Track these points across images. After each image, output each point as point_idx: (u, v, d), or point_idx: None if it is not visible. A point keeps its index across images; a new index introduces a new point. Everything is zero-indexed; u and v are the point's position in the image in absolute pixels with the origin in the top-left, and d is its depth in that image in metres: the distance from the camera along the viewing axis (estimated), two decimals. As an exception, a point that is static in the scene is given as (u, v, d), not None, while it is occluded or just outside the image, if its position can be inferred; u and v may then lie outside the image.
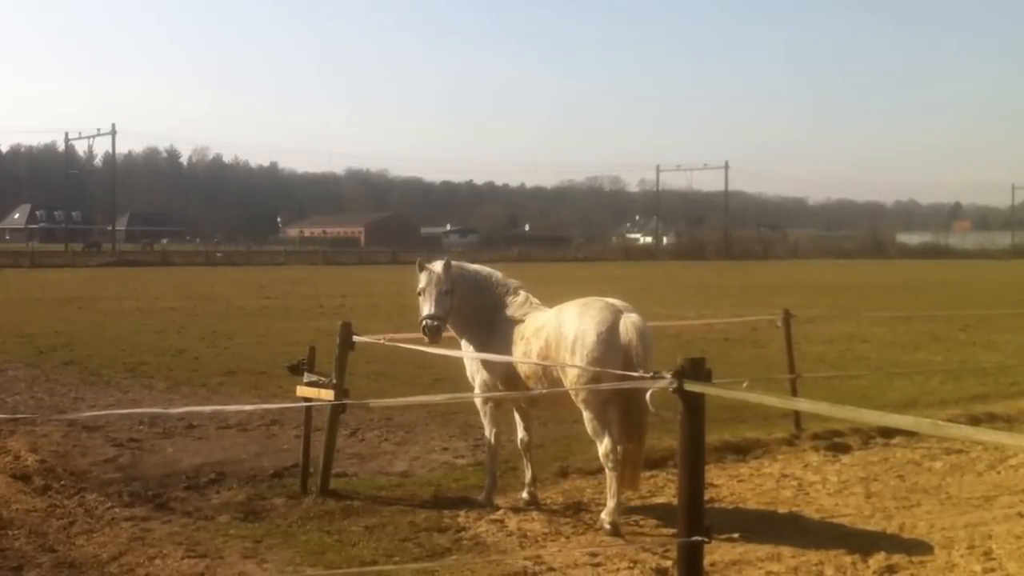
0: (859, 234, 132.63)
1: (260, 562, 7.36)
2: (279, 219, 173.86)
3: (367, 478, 9.80)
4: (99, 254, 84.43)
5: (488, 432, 9.08)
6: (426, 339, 8.85)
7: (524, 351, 8.49)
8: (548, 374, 8.37)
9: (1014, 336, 22.67)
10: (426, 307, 8.87)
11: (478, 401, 9.19)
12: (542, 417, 11.18)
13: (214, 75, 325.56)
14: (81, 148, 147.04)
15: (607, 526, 8.07)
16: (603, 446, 8.09)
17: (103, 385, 15.46)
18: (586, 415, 8.21)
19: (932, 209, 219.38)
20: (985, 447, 10.88)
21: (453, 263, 9.10)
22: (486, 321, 8.91)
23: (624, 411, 8.02)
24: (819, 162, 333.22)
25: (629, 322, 8.09)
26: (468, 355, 9.01)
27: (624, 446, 8.11)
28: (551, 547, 7.75)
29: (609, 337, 8.02)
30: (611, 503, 8.11)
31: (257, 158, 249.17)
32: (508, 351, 8.60)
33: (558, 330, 8.25)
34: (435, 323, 8.78)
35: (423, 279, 8.94)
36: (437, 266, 8.99)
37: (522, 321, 8.71)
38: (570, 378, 8.15)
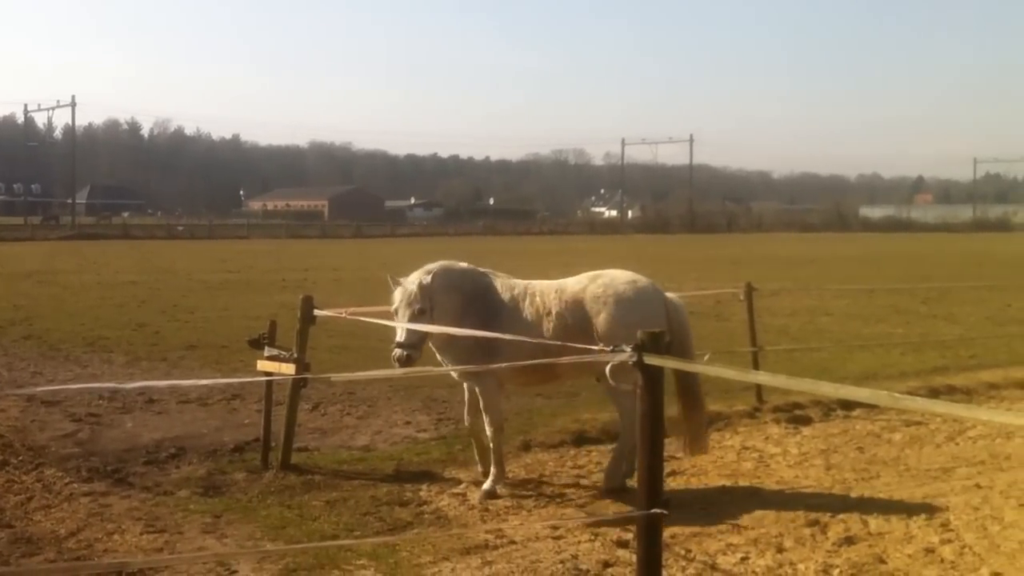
0: (823, 207, 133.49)
1: (220, 537, 7.31)
2: (242, 192, 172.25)
3: (329, 452, 9.76)
4: (58, 227, 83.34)
5: (496, 418, 8.46)
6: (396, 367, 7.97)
7: (548, 326, 8.20)
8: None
9: (974, 309, 22.95)
10: (398, 332, 8.03)
11: (490, 391, 8.46)
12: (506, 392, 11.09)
13: (175, 47, 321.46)
14: (41, 120, 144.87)
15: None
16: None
17: (62, 360, 15.26)
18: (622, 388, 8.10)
19: (895, 183, 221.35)
20: (944, 419, 11.01)
21: (439, 271, 8.22)
22: (492, 330, 7.91)
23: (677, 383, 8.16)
24: (783, 136, 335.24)
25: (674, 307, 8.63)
26: (435, 329, 8.19)
27: (683, 416, 8.41)
28: (513, 520, 7.76)
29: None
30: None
31: (219, 130, 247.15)
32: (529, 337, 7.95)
33: (616, 309, 8.21)
34: (405, 352, 7.93)
35: (396, 296, 8.14)
36: (412, 282, 8.13)
37: (538, 302, 8.36)
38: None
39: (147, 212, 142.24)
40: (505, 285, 8.54)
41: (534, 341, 7.74)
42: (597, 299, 8.35)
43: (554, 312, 8.33)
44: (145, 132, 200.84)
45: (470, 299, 8.33)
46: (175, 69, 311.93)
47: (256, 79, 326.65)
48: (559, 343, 7.40)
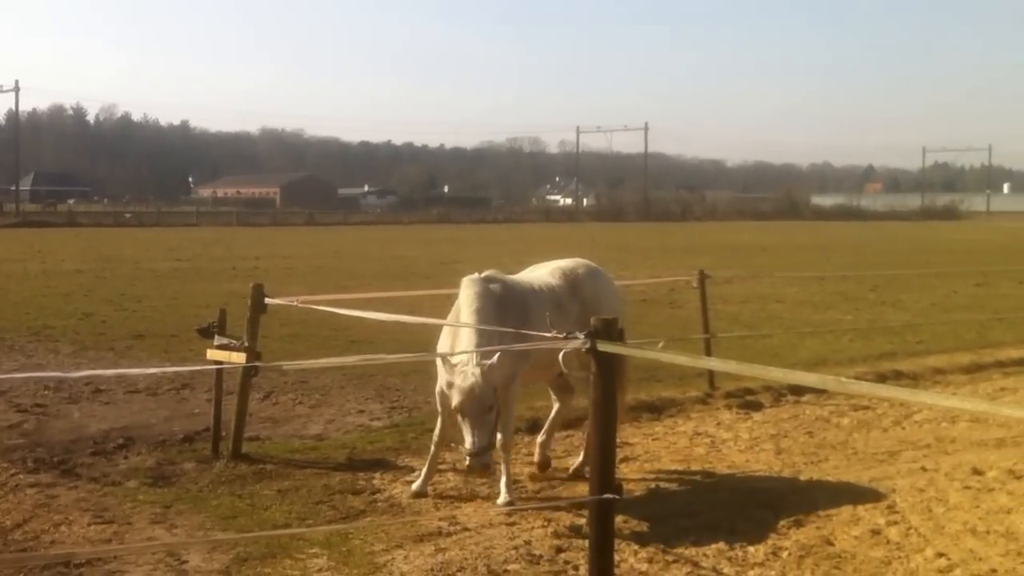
0: (775, 196, 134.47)
1: (170, 527, 7.24)
2: (191, 179, 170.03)
3: (280, 441, 9.68)
4: (2, 215, 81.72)
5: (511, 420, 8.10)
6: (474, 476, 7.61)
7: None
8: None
9: (921, 295, 23.31)
10: (467, 435, 7.12)
11: (515, 395, 8.06)
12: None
13: (122, 31, 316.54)
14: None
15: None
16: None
17: (6, 350, 14.97)
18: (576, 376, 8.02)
19: (845, 172, 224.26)
20: (891, 404, 11.16)
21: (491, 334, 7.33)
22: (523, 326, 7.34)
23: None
24: (737, 125, 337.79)
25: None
26: (383, 316, 8.30)
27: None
28: (466, 508, 7.75)
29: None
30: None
31: (167, 116, 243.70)
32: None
33: (607, 294, 8.59)
34: (484, 459, 7.08)
35: (456, 398, 7.11)
36: (471, 370, 7.05)
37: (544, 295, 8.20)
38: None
39: (93, 199, 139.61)
40: (519, 284, 8.22)
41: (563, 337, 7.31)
42: (596, 287, 8.57)
43: (565, 304, 8.22)
44: (91, 118, 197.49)
45: (508, 308, 7.80)
46: (121, 54, 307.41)
47: (205, 64, 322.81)
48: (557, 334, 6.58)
